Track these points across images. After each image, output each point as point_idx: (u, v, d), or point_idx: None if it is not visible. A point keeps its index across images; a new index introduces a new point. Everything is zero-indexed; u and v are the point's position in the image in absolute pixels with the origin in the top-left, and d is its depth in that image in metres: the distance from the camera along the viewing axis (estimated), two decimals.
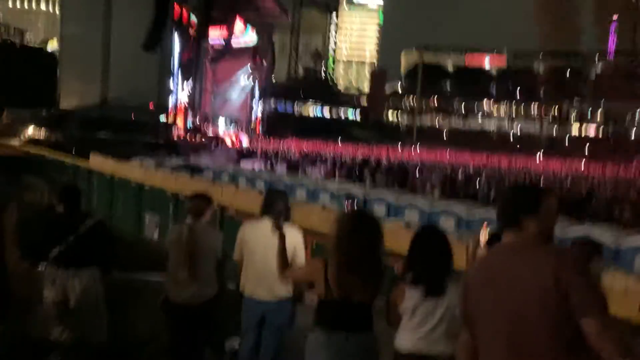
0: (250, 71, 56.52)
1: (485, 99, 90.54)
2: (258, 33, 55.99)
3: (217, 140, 45.32)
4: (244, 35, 52.91)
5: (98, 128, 35.71)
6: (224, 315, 4.51)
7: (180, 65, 41.80)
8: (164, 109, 41.47)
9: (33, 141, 32.11)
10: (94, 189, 16.89)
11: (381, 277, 3.21)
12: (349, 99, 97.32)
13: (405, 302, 3.09)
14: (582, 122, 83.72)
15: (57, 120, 40.05)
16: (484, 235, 4.06)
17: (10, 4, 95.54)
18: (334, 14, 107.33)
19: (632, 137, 75.37)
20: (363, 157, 37.74)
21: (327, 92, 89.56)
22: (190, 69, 43.35)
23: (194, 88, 44.80)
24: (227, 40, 45.13)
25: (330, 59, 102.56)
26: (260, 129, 61.29)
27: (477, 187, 21.76)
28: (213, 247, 4.47)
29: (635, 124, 77.84)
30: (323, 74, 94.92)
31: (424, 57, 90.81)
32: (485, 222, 4.27)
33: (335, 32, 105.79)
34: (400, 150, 55.94)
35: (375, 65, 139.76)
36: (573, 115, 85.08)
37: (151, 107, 41.38)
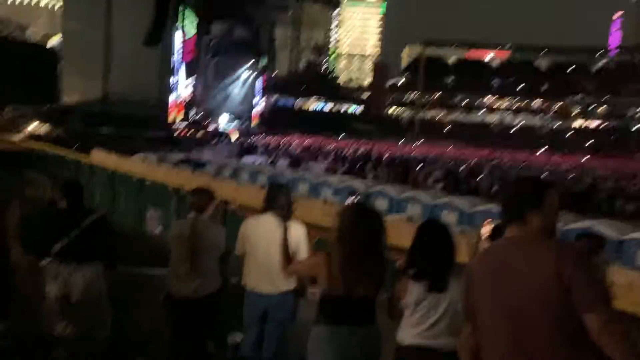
0: (251, 66, 56.51)
1: (487, 93, 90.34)
2: (259, 27, 55.95)
3: (219, 135, 45.32)
4: (246, 30, 52.86)
5: (99, 123, 35.76)
6: (227, 310, 4.51)
7: (183, 61, 41.73)
8: (165, 104, 41.48)
9: (35, 136, 32.15)
10: (96, 184, 16.90)
11: (384, 271, 3.21)
12: (350, 93, 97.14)
13: (408, 296, 3.09)
14: (585, 117, 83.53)
15: (58, 116, 40.08)
16: (486, 230, 4.05)
17: (11, 0, 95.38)
18: (336, 8, 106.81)
19: (635, 132, 75.06)
20: (365, 151, 37.71)
21: (329, 87, 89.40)
22: (192, 66, 43.32)
23: (195, 83, 44.79)
24: (229, 35, 45.04)
25: (332, 53, 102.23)
26: (262, 123, 61.31)
27: (479, 181, 21.73)
28: (215, 242, 4.47)
29: (638, 119, 77.62)
30: (324, 68, 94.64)
31: (426, 51, 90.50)
32: (490, 219, 4.27)
33: (337, 26, 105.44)
34: (401, 145, 55.89)
35: (377, 59, 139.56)
36: (576, 110, 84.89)
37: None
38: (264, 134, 55.39)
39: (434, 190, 17.45)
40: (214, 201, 4.74)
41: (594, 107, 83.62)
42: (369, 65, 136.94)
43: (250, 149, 39.58)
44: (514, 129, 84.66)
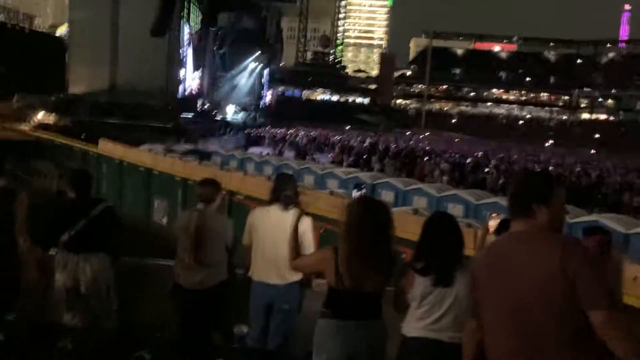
0: (258, 56, 56.37)
1: (494, 86, 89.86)
2: (266, 18, 55.76)
3: (226, 125, 45.30)
4: (252, 21, 52.71)
5: (107, 113, 35.76)
6: (233, 301, 4.53)
7: (192, 51, 41.64)
8: (172, 94, 41.44)
9: (42, 126, 32.21)
10: (103, 174, 16.97)
11: (392, 265, 3.20)
12: (357, 84, 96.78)
13: (414, 289, 3.08)
14: (592, 110, 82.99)
15: (66, 105, 40.14)
16: (493, 223, 4.05)
17: None
18: None
19: None
20: (371, 142, 37.61)
21: (336, 77, 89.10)
22: (199, 57, 43.25)
23: (202, 74, 44.72)
24: (236, 26, 44.92)
25: (339, 44, 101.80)
26: (269, 114, 61.23)
27: (486, 174, 21.67)
28: (222, 232, 4.49)
29: None
30: (331, 59, 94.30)
31: (434, 42, 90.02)
32: (496, 213, 4.27)
33: (344, 17, 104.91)
34: (408, 136, 55.71)
35: (384, 50, 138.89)
36: (584, 103, 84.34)
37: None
38: (270, 125, 55.37)
39: (440, 182, 17.42)
40: (221, 192, 4.75)
41: (601, 100, 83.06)
42: (376, 56, 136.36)
43: (257, 140, 39.61)
44: (521, 121, 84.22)
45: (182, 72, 41.53)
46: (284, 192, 4.29)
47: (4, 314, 3.48)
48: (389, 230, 3.18)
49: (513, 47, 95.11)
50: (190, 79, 42.27)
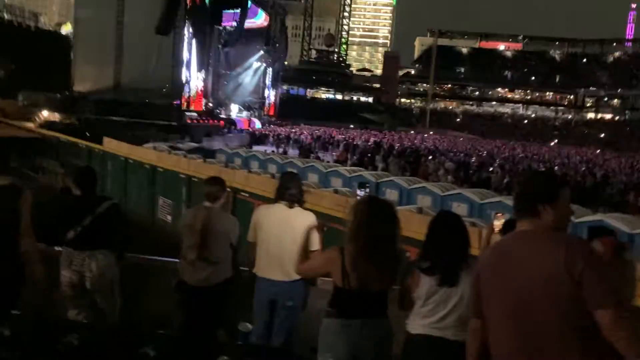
0: (263, 55, 56.36)
1: (499, 85, 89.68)
2: (271, 16, 55.74)
3: (230, 123, 45.34)
4: (257, 19, 52.68)
5: (112, 111, 35.84)
6: (238, 298, 4.55)
7: (197, 50, 41.62)
8: (177, 92, 41.47)
9: (48, 123, 32.32)
10: (108, 172, 17.01)
11: (398, 264, 3.21)
12: (361, 83, 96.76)
13: (420, 288, 3.09)
14: (598, 109, 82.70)
15: (71, 103, 40.28)
16: (498, 223, 4.06)
17: None
18: None
19: None
20: (375, 141, 37.62)
21: (340, 76, 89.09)
22: (204, 56, 43.22)
23: (207, 72, 44.73)
24: (240, 24, 44.90)
25: (344, 42, 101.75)
26: (273, 112, 61.26)
27: (490, 173, 21.64)
28: (227, 230, 4.51)
29: None
30: (336, 57, 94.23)
31: (438, 41, 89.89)
32: (500, 213, 4.27)
33: (349, 15, 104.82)
34: (412, 135, 55.71)
35: (389, 48, 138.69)
36: (589, 102, 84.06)
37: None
38: (274, 123, 55.43)
39: (445, 181, 17.39)
40: (226, 190, 4.77)
41: (607, 100, 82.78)
42: (380, 55, 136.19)
43: (261, 139, 39.65)
44: (526, 120, 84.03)
45: (186, 71, 41.52)
46: (289, 190, 4.31)
47: (10, 310, 3.50)
48: (395, 230, 3.18)
49: (518, 46, 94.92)
50: (195, 77, 42.25)
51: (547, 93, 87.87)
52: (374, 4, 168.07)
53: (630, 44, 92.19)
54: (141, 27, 40.24)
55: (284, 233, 4.23)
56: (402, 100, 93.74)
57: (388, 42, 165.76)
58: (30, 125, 31.80)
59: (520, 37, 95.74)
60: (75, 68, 48.71)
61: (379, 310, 3.19)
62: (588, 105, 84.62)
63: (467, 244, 3.14)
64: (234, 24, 45.42)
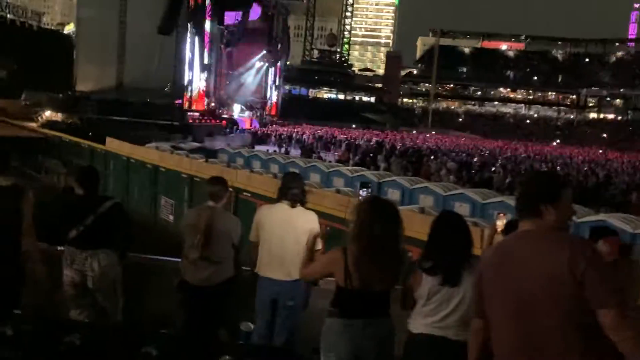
0: (265, 55, 56.36)
1: (502, 85, 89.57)
2: (273, 16, 55.75)
3: (232, 123, 45.36)
4: (259, 19, 52.68)
5: (114, 111, 35.86)
6: (240, 297, 4.55)
7: (199, 49, 41.66)
8: (179, 92, 41.52)
9: (50, 123, 32.36)
10: (110, 172, 17.03)
11: (400, 264, 3.21)
12: (363, 83, 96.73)
13: (422, 288, 3.09)
14: (600, 109, 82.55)
15: (73, 103, 40.32)
16: (501, 223, 4.06)
17: None
18: None
19: None
20: (377, 141, 37.60)
21: (342, 76, 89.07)
22: (206, 55, 43.27)
23: (209, 73, 44.77)
24: (243, 24, 44.92)
25: (346, 42, 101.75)
26: (275, 112, 61.26)
27: (493, 172, 21.62)
28: (230, 230, 4.51)
29: None
30: (338, 57, 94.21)
31: (440, 41, 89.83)
32: (502, 213, 4.27)
33: (351, 15, 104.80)
34: (414, 135, 55.68)
35: (391, 48, 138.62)
36: (591, 102, 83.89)
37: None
38: (277, 123, 55.43)
39: (447, 181, 17.38)
40: (229, 190, 4.78)
41: (609, 100, 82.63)
42: (382, 54, 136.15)
43: (263, 138, 39.67)
44: (529, 120, 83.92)
45: (188, 71, 41.57)
46: (292, 189, 4.33)
47: (12, 309, 3.51)
48: (398, 230, 3.18)
49: (521, 46, 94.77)
50: (197, 77, 42.30)
51: (550, 93, 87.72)
52: (376, 4, 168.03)
53: (633, 43, 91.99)
54: (144, 27, 40.29)
55: (286, 233, 4.24)
56: (404, 100, 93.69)
57: (390, 42, 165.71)
58: (32, 125, 31.86)
59: (523, 37, 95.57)
60: (77, 68, 48.77)
61: (382, 310, 3.19)
62: (590, 105, 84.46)
63: (469, 243, 3.14)
64: (237, 24, 45.42)
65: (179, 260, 4.61)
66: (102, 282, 4.25)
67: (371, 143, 35.71)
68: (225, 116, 47.39)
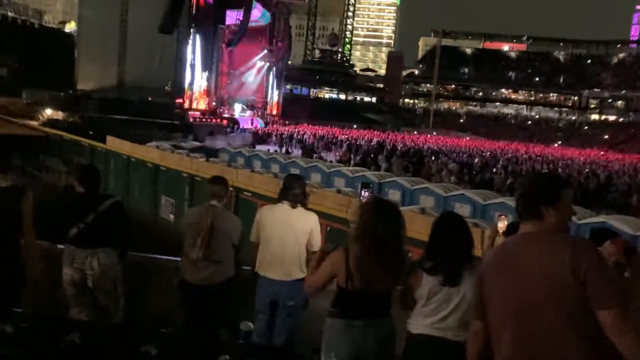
0: (266, 54, 56.35)
1: (503, 85, 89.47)
2: (274, 16, 55.74)
3: (233, 123, 45.36)
4: (261, 18, 52.66)
5: (115, 110, 35.89)
6: (240, 297, 4.55)
7: (200, 48, 41.67)
8: (180, 91, 41.54)
9: (51, 122, 32.37)
10: (111, 170, 17.04)
11: (403, 265, 3.22)
12: (365, 83, 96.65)
13: (422, 288, 3.09)
14: (602, 111, 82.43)
15: (74, 102, 40.34)
16: (502, 225, 4.04)
17: None
18: None
19: None
20: (378, 141, 37.60)
21: (344, 76, 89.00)
22: (207, 54, 43.28)
23: (210, 71, 44.80)
24: (244, 23, 44.90)
25: (347, 42, 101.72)
26: (276, 112, 61.23)
27: (494, 173, 21.62)
28: (230, 230, 4.51)
29: None
30: (340, 57, 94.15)
31: (442, 41, 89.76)
32: (503, 214, 4.26)
33: (353, 15, 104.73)
34: (416, 135, 55.66)
35: (393, 48, 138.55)
36: (593, 103, 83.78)
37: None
38: (278, 122, 55.40)
39: (448, 182, 17.38)
40: (230, 190, 4.78)
41: (611, 101, 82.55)
42: (384, 55, 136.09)
43: (264, 137, 39.67)
44: (530, 121, 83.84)
45: (189, 69, 41.60)
46: (293, 190, 4.34)
47: (12, 307, 3.51)
48: (400, 231, 3.19)
49: (522, 47, 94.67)
50: (198, 76, 42.32)
51: (551, 94, 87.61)
52: (378, 4, 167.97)
53: (635, 45, 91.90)
54: (145, 26, 40.32)
55: (286, 233, 4.26)
56: (406, 100, 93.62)
57: (392, 42, 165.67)
58: (33, 123, 31.85)
59: (525, 38, 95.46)
60: (78, 66, 48.83)
61: (382, 310, 3.20)
62: (592, 106, 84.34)
63: (470, 244, 3.15)
64: (238, 23, 45.40)
65: (179, 259, 4.61)
66: (102, 281, 4.25)
67: (372, 143, 35.71)
68: (226, 115, 47.38)
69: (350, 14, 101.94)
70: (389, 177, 14.90)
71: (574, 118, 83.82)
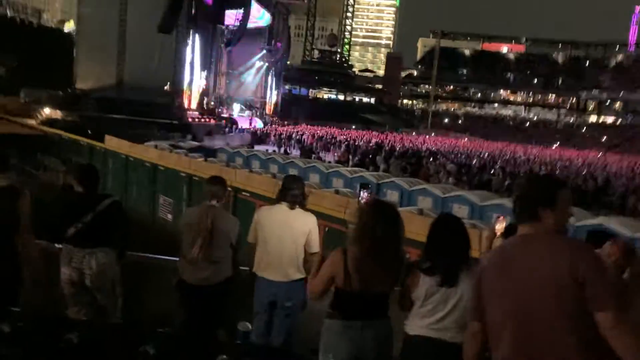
0: (265, 54, 56.35)
1: (502, 87, 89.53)
2: (274, 16, 55.75)
3: (232, 122, 45.35)
4: (260, 18, 52.66)
5: (113, 109, 35.81)
6: (238, 297, 4.55)
7: (199, 48, 41.65)
8: (179, 91, 41.50)
9: (49, 121, 32.31)
10: (109, 170, 17.03)
11: (401, 266, 3.22)
12: (364, 83, 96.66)
13: (419, 288, 3.10)
14: (600, 112, 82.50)
15: (73, 101, 40.25)
16: (500, 227, 4.05)
17: None
18: None
19: None
20: (377, 142, 37.60)
21: (342, 76, 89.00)
22: (206, 54, 43.25)
23: (209, 71, 44.77)
24: (243, 24, 44.88)
25: (346, 43, 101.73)
26: (275, 112, 61.23)
27: (492, 175, 21.63)
28: (229, 230, 4.51)
29: None
30: (338, 58, 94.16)
31: (441, 43, 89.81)
32: (502, 216, 4.26)
33: (352, 15, 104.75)
34: (414, 136, 55.66)
35: (392, 49, 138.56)
36: (591, 105, 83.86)
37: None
38: (276, 123, 55.38)
39: (446, 183, 17.39)
40: (228, 190, 4.78)
41: (609, 103, 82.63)
42: (383, 55, 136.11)
43: (263, 138, 39.65)
44: (528, 123, 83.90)
45: (188, 69, 41.57)
46: (292, 190, 4.34)
47: (10, 306, 3.51)
48: (399, 232, 3.19)
49: (521, 48, 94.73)
50: (197, 76, 42.29)
51: (550, 96, 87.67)
52: (377, 5, 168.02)
53: (633, 47, 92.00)
54: (144, 25, 40.19)
55: (285, 234, 4.26)
56: (404, 101, 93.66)
57: (391, 43, 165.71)
58: (32, 122, 31.79)
59: (523, 40, 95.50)
60: (77, 65, 48.64)
61: (380, 311, 3.21)
62: (590, 108, 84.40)
63: (467, 246, 3.15)
64: (237, 23, 45.37)
65: (177, 259, 4.61)
66: (100, 280, 4.24)
67: (371, 144, 35.70)
68: (225, 115, 47.34)
69: (349, 14, 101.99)
70: (387, 177, 14.91)
71: (572, 120, 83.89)
